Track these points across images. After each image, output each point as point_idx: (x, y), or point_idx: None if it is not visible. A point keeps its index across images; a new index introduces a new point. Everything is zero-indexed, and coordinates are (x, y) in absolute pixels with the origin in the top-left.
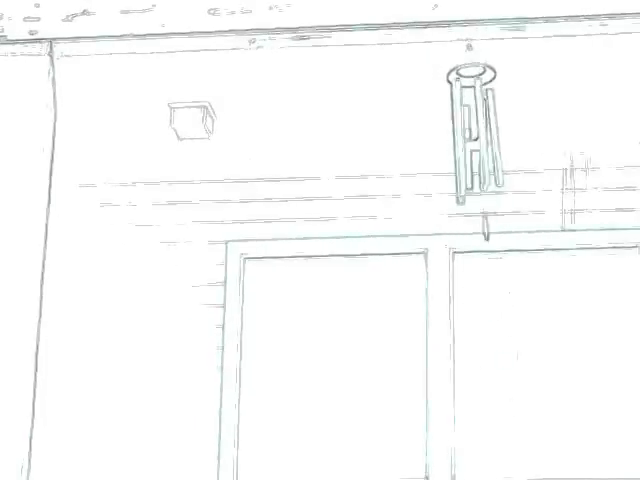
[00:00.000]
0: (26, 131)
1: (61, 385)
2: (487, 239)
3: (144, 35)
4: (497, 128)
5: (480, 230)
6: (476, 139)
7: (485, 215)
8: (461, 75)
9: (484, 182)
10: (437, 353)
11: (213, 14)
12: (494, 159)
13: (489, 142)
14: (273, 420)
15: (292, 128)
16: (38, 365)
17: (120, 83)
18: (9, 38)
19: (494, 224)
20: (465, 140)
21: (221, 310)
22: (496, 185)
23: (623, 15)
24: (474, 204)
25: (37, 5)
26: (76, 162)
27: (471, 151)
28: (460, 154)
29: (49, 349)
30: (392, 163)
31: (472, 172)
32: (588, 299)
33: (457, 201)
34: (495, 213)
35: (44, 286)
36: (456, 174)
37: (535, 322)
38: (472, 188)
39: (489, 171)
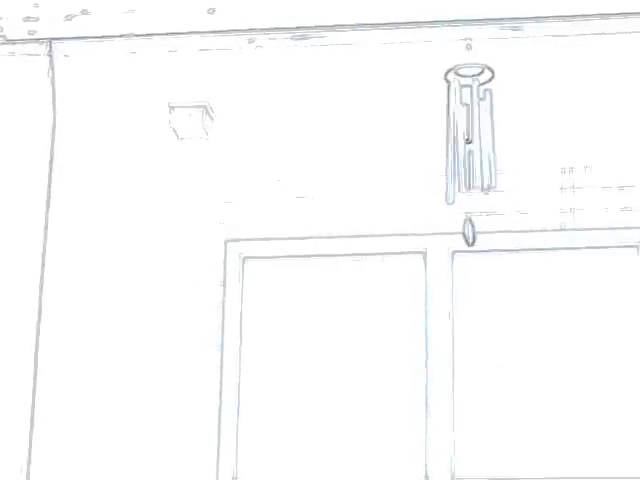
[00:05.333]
0: (25, 131)
1: (61, 383)
2: (471, 244)
3: (143, 35)
4: (494, 128)
5: (464, 233)
6: (471, 141)
7: (469, 218)
8: (459, 75)
9: (482, 181)
10: (437, 353)
11: (212, 14)
12: (492, 158)
13: (487, 141)
14: (272, 419)
15: (291, 128)
16: (38, 362)
17: (119, 83)
18: (8, 38)
19: (493, 224)
20: (463, 139)
21: (220, 310)
22: (494, 184)
23: (623, 15)
24: (473, 203)
25: (36, 5)
26: (75, 162)
27: (469, 151)
28: (456, 154)
29: (49, 347)
30: (391, 162)
31: (471, 171)
32: (587, 299)
33: (446, 200)
34: (493, 213)
35: (44, 285)
36: (447, 174)
37: (535, 321)
38: (469, 187)
39: (487, 170)
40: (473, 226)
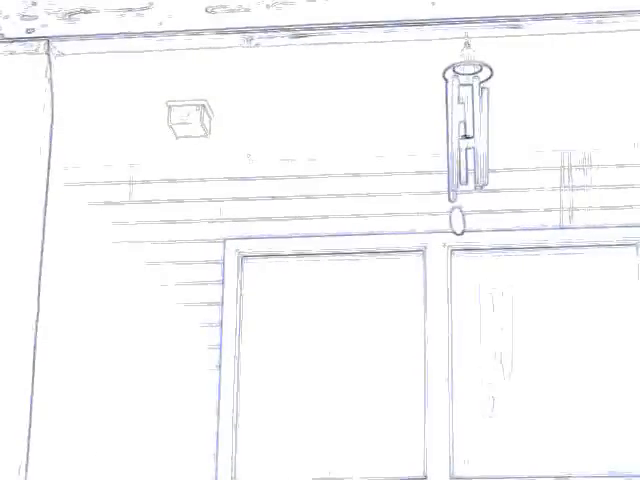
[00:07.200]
0: (23, 129)
1: (59, 384)
2: (460, 234)
3: (142, 33)
4: (488, 126)
5: (458, 226)
6: (472, 137)
7: (459, 208)
8: (458, 73)
9: (480, 180)
10: (435, 350)
11: (211, 12)
12: (485, 156)
13: (485, 140)
14: (271, 418)
15: (289, 126)
16: (36, 364)
17: (118, 81)
18: (6, 36)
19: (492, 222)
20: (461, 137)
21: (219, 308)
22: (486, 182)
23: (620, 13)
24: (471, 202)
25: (34, 3)
26: (73, 160)
27: (466, 149)
28: (454, 151)
29: (47, 348)
30: (390, 160)
31: (467, 169)
32: (586, 297)
33: (449, 198)
34: (493, 211)
35: (42, 286)
36: (448, 171)
37: (533, 319)
38: (467, 185)
39: (486, 169)
40: (463, 215)
